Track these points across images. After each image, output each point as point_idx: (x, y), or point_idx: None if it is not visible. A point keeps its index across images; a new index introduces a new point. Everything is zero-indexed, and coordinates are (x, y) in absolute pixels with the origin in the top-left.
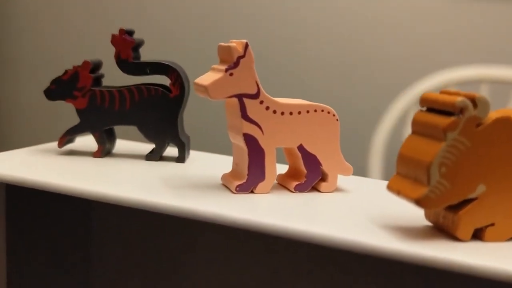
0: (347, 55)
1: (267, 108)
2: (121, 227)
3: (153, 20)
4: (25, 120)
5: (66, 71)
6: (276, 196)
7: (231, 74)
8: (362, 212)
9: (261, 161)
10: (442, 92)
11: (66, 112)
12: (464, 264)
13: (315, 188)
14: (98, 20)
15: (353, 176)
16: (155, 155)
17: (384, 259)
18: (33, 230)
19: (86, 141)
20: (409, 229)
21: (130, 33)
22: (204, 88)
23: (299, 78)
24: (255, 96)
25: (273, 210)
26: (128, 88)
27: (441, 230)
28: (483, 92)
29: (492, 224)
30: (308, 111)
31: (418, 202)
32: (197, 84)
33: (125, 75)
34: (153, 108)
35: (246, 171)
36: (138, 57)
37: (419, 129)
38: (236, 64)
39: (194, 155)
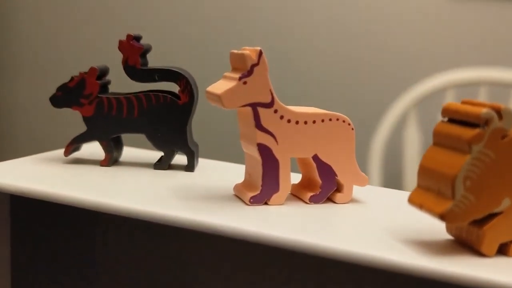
0: (345, 58)
1: (282, 117)
2: (127, 238)
3: (161, 25)
4: (30, 127)
5: (72, 78)
6: (291, 208)
7: (244, 83)
8: (379, 224)
9: (275, 171)
10: (464, 102)
11: (72, 119)
12: (489, 281)
13: (330, 199)
14: (105, 25)
15: (368, 186)
16: (163, 164)
17: (406, 275)
18: (37, 241)
19: (93, 149)
20: (430, 243)
21: (138, 39)
22: (217, 97)
23: (298, 81)
24: (269, 105)
25: (290, 224)
26: (136, 95)
27: (463, 244)
28: (482, 94)
29: None
30: (323, 120)
31: (443, 216)
32: (209, 93)
33: (131, 81)
34: (162, 116)
35: (260, 182)
36: (146, 63)
37: (441, 140)
38: (250, 72)
39: (202, 163)
